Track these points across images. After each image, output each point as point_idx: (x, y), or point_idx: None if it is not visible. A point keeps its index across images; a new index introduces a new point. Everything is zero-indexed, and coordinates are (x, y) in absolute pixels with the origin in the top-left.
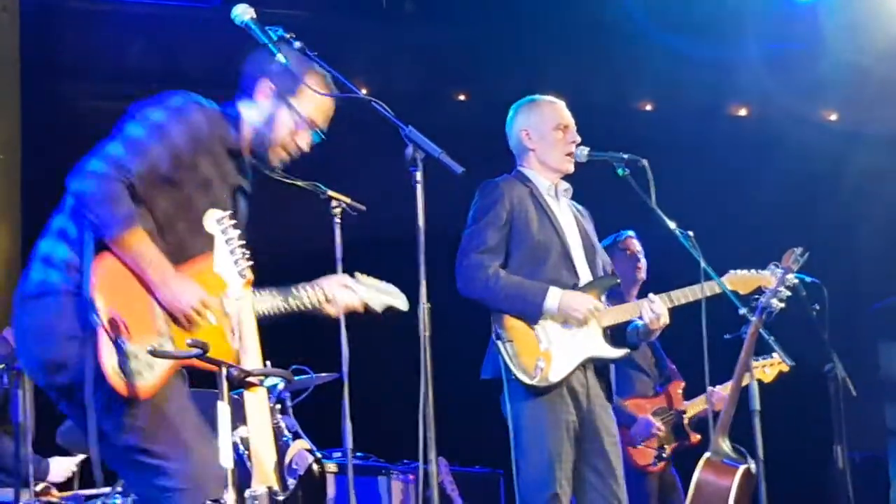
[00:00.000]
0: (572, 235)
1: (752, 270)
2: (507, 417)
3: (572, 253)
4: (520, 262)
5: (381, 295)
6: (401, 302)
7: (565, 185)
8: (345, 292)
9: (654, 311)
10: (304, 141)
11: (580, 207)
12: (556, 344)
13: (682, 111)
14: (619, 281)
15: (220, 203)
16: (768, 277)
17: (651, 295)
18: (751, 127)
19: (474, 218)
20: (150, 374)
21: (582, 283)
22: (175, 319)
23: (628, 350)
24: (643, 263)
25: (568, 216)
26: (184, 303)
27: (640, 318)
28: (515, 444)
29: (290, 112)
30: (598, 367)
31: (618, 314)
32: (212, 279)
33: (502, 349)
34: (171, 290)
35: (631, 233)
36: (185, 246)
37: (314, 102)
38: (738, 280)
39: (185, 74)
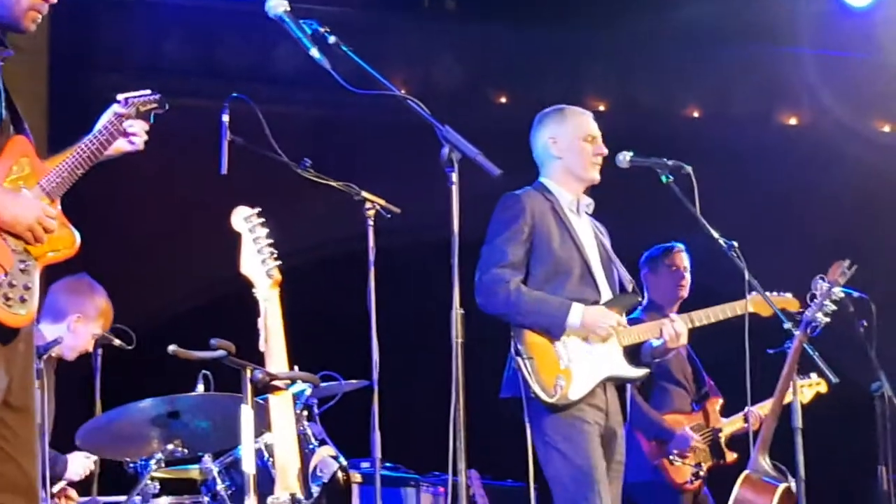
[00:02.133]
0: (592, 252)
1: (775, 293)
2: (531, 435)
3: (593, 269)
4: (541, 278)
5: None
6: None
7: (588, 200)
8: None
9: (676, 330)
10: None
11: (598, 224)
12: (577, 362)
13: (730, 118)
14: (640, 299)
15: None
16: (792, 301)
17: (672, 314)
18: (801, 137)
19: (496, 232)
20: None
21: (603, 299)
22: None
23: (648, 370)
24: (687, 281)
25: (588, 232)
26: (23, 224)
27: (660, 336)
28: (545, 463)
29: None
30: (617, 386)
31: (639, 333)
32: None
33: (522, 366)
34: (6, 215)
35: (681, 246)
36: None
37: None
38: (761, 302)
39: (220, 68)
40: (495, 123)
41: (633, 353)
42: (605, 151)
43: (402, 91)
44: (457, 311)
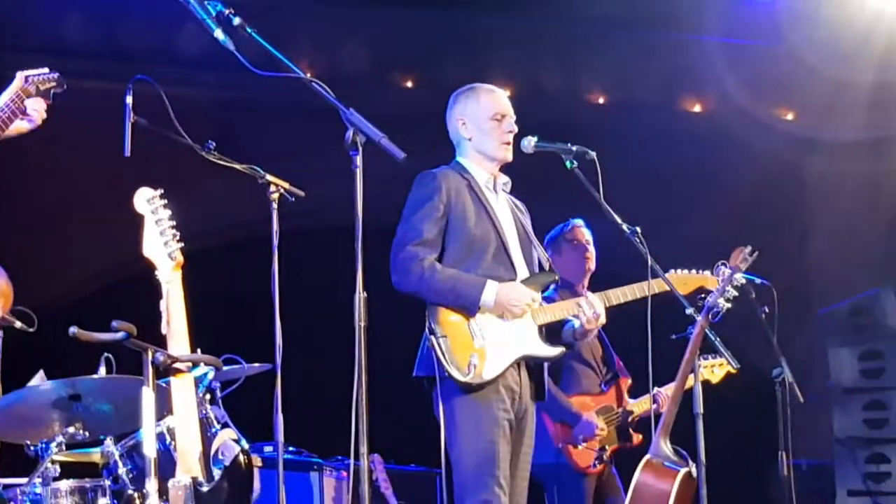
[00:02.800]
0: (509, 230)
1: (693, 271)
2: (438, 416)
3: (509, 248)
4: (456, 255)
5: None
6: None
7: (504, 178)
8: None
9: (595, 310)
10: None
11: (518, 202)
12: (491, 340)
13: (635, 104)
14: (557, 277)
15: None
16: (710, 278)
17: (588, 293)
18: (704, 123)
19: (411, 209)
20: None
21: (519, 278)
22: None
23: (564, 349)
24: (592, 253)
25: (505, 210)
26: None
27: (577, 316)
28: (450, 443)
29: None
30: (531, 366)
31: (554, 312)
32: None
33: (435, 345)
34: None
35: (579, 221)
36: None
37: None
38: (679, 280)
39: (123, 49)
40: (401, 107)
41: (549, 332)
42: (515, 129)
43: (308, 74)
44: (360, 295)
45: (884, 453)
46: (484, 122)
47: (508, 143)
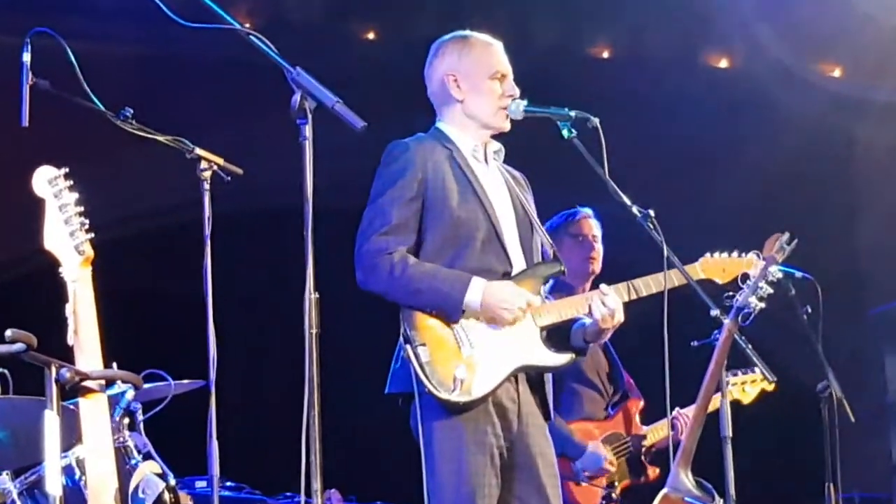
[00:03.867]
0: (503, 210)
1: (734, 253)
2: (418, 440)
3: (503, 233)
4: (436, 246)
5: None
6: None
7: (497, 145)
8: None
9: (607, 305)
10: None
11: (516, 173)
12: (481, 349)
13: (647, 60)
14: (563, 268)
15: None
16: (756, 262)
17: (603, 286)
18: (732, 82)
19: (379, 190)
20: None
21: (515, 270)
22: None
23: (573, 356)
24: (598, 252)
25: (499, 185)
26: None
27: (590, 314)
28: (428, 474)
29: None
30: (533, 378)
31: (561, 310)
32: None
33: (412, 355)
34: None
35: (588, 211)
36: None
37: None
38: (715, 265)
39: None
40: (360, 64)
41: (554, 336)
42: (517, 93)
43: (246, 25)
44: (310, 296)
45: None
46: (481, 82)
47: (507, 109)
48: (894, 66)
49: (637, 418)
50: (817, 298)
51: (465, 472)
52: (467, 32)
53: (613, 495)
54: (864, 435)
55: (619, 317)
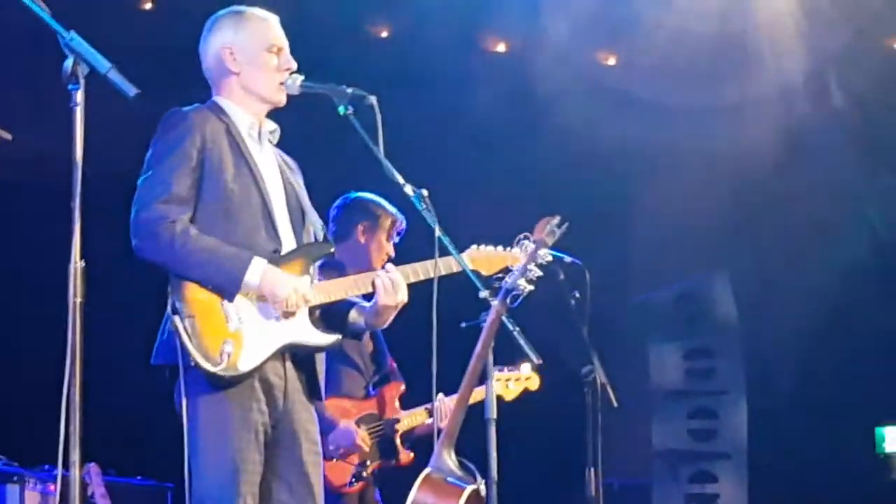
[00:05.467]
0: (275, 189)
1: (500, 247)
2: (180, 414)
3: (274, 211)
4: (208, 216)
5: None
6: None
7: (272, 125)
8: None
9: (392, 279)
10: None
11: (287, 158)
12: (250, 324)
13: (425, 41)
14: (332, 249)
15: None
16: (519, 256)
17: (388, 265)
18: (510, 67)
19: (157, 157)
20: None
21: (285, 249)
22: None
23: (339, 337)
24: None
25: (271, 165)
26: None
27: (369, 296)
28: (190, 449)
29: None
30: (301, 356)
31: (336, 288)
32: None
33: (180, 327)
34: None
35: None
36: None
37: None
38: (482, 258)
39: None
40: (137, 33)
41: (326, 316)
42: (294, 66)
43: None
44: (76, 264)
45: (710, 471)
46: (256, 55)
47: (283, 84)
48: (666, 65)
49: (396, 402)
50: (586, 284)
51: (229, 448)
52: (243, 7)
53: (364, 474)
54: (625, 420)
55: (403, 297)
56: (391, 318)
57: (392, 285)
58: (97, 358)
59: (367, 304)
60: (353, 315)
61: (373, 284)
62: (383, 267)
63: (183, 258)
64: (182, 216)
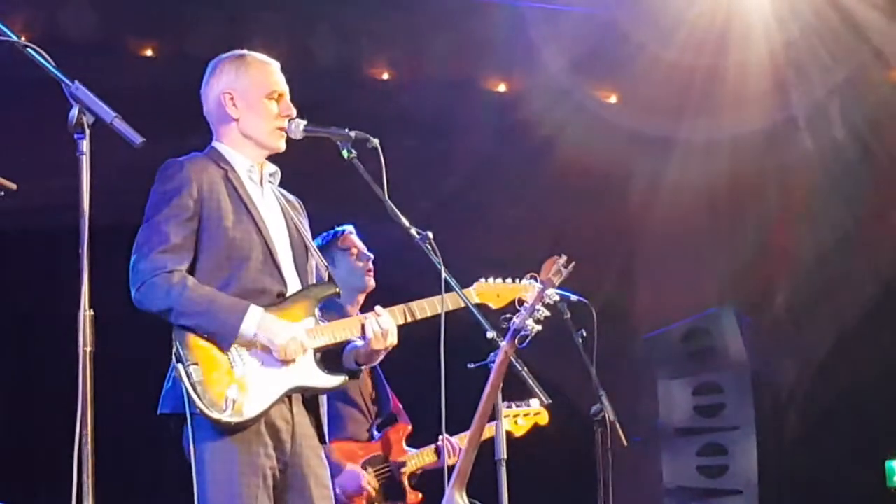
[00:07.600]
0: (278, 232)
1: (508, 280)
2: (190, 461)
3: (277, 254)
4: (211, 266)
5: None
6: None
7: (272, 167)
8: None
9: (381, 326)
10: None
11: (291, 197)
12: (254, 369)
13: (427, 82)
14: (338, 290)
15: None
16: (530, 287)
17: (378, 308)
18: (510, 106)
19: (155, 208)
20: None
21: (290, 291)
22: None
23: (346, 378)
24: (370, 265)
25: (273, 207)
26: None
27: (363, 335)
28: (200, 495)
29: None
30: (308, 399)
31: (334, 332)
32: None
33: (184, 374)
34: None
35: (350, 228)
36: None
37: None
38: (490, 290)
39: None
40: (139, 81)
41: (328, 358)
42: (294, 113)
43: (23, 38)
44: (85, 313)
45: None
46: (256, 101)
47: (283, 130)
48: (665, 99)
49: (402, 444)
50: (593, 322)
51: (237, 494)
52: (244, 52)
53: None
54: (635, 458)
55: (393, 339)
56: (382, 357)
57: (381, 333)
58: (113, 404)
59: (359, 343)
60: (347, 357)
61: (363, 328)
62: (369, 289)
63: (180, 308)
64: (179, 266)
